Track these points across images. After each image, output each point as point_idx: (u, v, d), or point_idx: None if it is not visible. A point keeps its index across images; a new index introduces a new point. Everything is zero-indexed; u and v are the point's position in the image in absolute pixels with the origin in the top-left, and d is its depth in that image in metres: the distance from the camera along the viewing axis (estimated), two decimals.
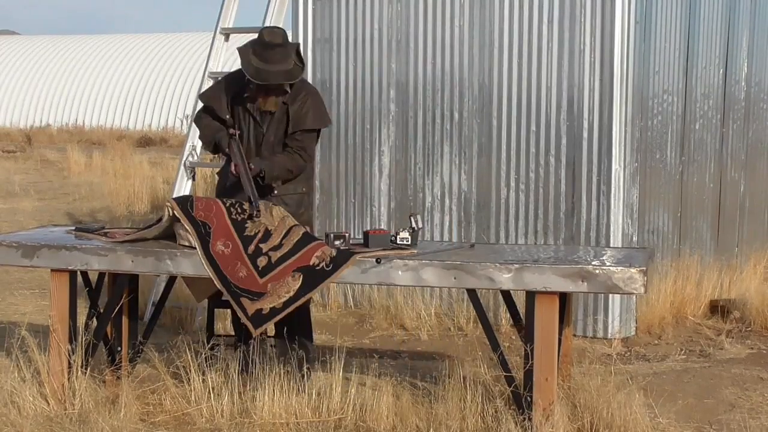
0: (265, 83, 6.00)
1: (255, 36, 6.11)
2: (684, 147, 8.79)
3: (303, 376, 6.00)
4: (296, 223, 5.84)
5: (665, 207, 8.51)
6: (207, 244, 5.69)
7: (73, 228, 6.50)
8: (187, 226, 5.76)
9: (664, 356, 7.42)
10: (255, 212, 5.76)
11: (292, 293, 5.57)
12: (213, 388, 5.75)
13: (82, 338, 5.88)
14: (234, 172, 6.00)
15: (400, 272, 5.46)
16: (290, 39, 6.24)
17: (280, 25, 8.93)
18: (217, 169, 6.63)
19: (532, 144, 8.11)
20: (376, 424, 5.52)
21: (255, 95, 6.08)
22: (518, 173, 8.16)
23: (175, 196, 8.18)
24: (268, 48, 5.95)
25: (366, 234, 5.74)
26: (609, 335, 7.84)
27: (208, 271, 5.66)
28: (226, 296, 5.67)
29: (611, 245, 7.72)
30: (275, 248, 5.66)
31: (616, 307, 7.85)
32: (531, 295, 5.37)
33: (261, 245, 5.67)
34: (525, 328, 5.54)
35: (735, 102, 9.65)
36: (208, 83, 9.10)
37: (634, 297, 7.87)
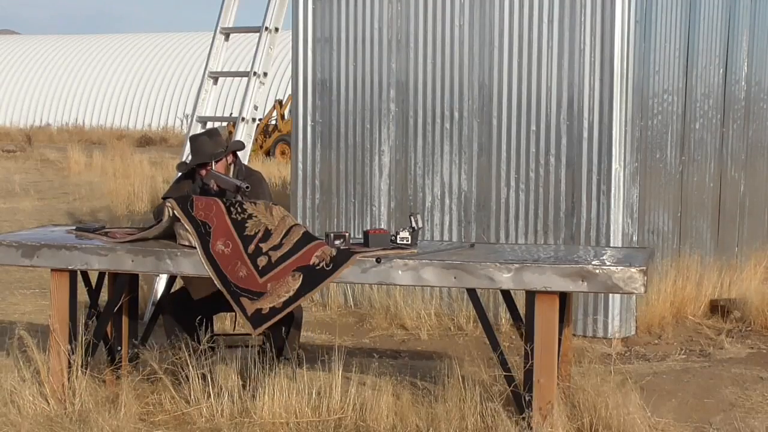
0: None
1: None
2: (684, 146, 8.79)
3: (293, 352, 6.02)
4: (297, 222, 5.84)
5: (665, 207, 8.51)
6: (207, 244, 5.69)
7: (74, 228, 6.50)
8: (187, 225, 5.75)
9: (664, 356, 7.42)
10: (245, 186, 5.94)
11: (292, 293, 5.57)
12: (213, 388, 5.74)
13: (82, 338, 5.88)
14: (214, 187, 6.16)
15: (400, 272, 5.46)
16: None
17: (280, 26, 8.95)
18: None
19: (532, 143, 8.11)
20: (376, 424, 5.52)
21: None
22: (518, 173, 8.16)
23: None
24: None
25: (366, 233, 5.74)
26: (609, 335, 7.84)
27: (208, 271, 5.66)
28: (226, 296, 5.66)
29: (611, 245, 7.72)
30: (275, 248, 5.66)
31: (616, 306, 7.85)
32: (531, 295, 5.37)
33: (261, 245, 5.67)
34: (525, 327, 5.53)
35: (735, 102, 9.66)
36: (208, 83, 9.12)
37: (634, 297, 7.87)
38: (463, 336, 7.89)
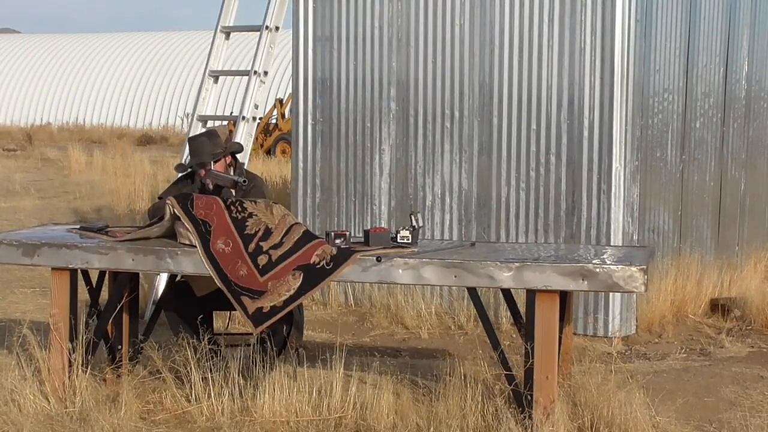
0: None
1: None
2: (684, 145, 8.79)
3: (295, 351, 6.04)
4: (297, 221, 5.84)
5: (666, 205, 8.51)
6: (207, 243, 5.69)
7: (75, 227, 6.50)
8: (188, 224, 5.75)
9: (665, 355, 7.42)
10: (242, 180, 6.10)
11: (292, 291, 5.57)
12: (213, 386, 5.75)
13: (82, 337, 5.88)
14: (210, 186, 6.24)
15: (400, 271, 5.47)
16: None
17: (281, 24, 8.96)
18: None
19: (532, 142, 8.11)
20: (377, 423, 5.52)
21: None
22: (518, 172, 8.17)
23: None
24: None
25: (366, 232, 5.74)
26: (609, 334, 7.84)
27: (208, 270, 5.66)
28: (226, 294, 5.67)
29: (612, 244, 7.72)
30: (276, 246, 5.66)
31: (617, 305, 7.85)
32: (531, 294, 5.37)
33: (261, 243, 5.67)
34: (525, 326, 5.54)
35: (735, 100, 9.66)
36: (209, 82, 9.13)
37: (635, 295, 7.87)
38: (463, 335, 7.89)
